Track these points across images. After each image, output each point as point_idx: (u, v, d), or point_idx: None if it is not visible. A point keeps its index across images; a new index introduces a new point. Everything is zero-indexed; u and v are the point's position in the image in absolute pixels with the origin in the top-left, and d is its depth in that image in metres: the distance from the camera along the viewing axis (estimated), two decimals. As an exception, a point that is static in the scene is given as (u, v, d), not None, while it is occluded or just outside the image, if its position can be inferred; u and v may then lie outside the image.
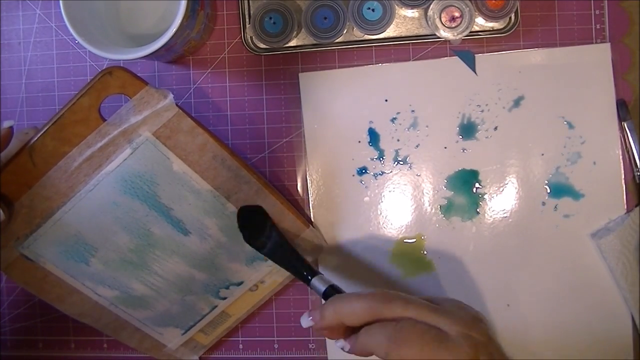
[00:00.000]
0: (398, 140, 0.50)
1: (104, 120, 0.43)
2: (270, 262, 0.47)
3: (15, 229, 0.44)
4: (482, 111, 0.49)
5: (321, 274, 0.44)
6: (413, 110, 0.49)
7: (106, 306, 0.48)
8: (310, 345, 0.52)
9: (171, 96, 0.43)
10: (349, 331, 0.39)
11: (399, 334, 0.36)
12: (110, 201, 0.44)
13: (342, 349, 0.39)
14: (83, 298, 0.47)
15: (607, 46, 0.48)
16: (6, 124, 0.41)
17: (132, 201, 0.44)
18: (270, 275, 0.48)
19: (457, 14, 0.46)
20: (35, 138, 0.43)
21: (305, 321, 0.41)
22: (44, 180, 0.43)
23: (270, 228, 0.46)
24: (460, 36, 0.46)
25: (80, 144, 0.43)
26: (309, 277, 0.43)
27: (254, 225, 0.47)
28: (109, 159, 0.43)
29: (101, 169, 0.44)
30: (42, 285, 0.46)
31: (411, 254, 0.50)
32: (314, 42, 0.49)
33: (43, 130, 0.43)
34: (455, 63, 0.49)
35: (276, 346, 0.52)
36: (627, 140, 0.47)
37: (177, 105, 0.43)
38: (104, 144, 0.43)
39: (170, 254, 0.46)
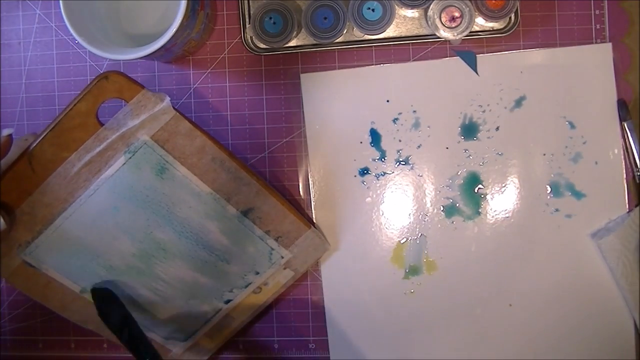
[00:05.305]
0: (400, 140, 0.49)
1: (102, 125, 0.43)
2: (272, 263, 0.47)
3: (17, 236, 0.44)
4: (484, 111, 0.49)
5: None
6: (415, 111, 0.49)
7: None
8: (310, 345, 0.51)
9: (168, 99, 0.43)
10: None
11: None
12: (111, 206, 0.44)
13: None
14: (86, 304, 0.47)
15: (608, 46, 0.48)
16: (5, 132, 0.41)
17: (133, 205, 0.44)
18: (273, 277, 0.48)
19: (457, 14, 0.46)
20: (34, 144, 0.42)
21: None
22: (44, 186, 0.43)
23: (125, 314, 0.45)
24: (460, 36, 0.46)
25: (79, 150, 0.43)
26: None
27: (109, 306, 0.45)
28: (108, 163, 0.43)
29: (100, 174, 0.43)
30: (45, 291, 0.46)
31: (413, 255, 0.50)
32: (314, 42, 0.49)
33: (41, 137, 0.42)
34: (456, 63, 0.49)
35: (276, 346, 0.52)
36: (627, 140, 0.47)
37: (174, 108, 0.43)
38: (102, 148, 0.43)
39: (173, 258, 0.46)
